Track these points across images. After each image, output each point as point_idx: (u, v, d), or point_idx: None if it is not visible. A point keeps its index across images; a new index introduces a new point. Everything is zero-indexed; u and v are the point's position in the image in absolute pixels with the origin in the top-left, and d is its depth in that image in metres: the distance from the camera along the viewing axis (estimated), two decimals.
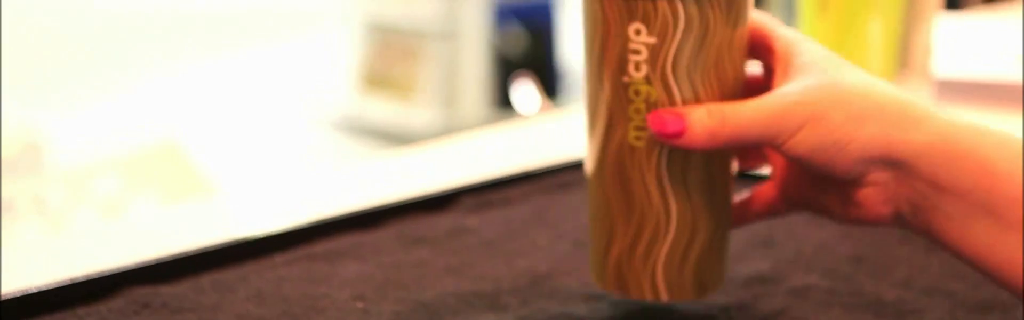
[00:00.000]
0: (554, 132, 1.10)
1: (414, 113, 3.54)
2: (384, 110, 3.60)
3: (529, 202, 0.81)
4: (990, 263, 0.51)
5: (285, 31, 4.91)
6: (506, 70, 3.52)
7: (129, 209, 1.33)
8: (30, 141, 1.89)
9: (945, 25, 0.97)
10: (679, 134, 0.55)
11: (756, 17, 0.59)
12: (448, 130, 3.48)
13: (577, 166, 0.86)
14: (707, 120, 0.54)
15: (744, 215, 0.63)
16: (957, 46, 1.14)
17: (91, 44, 4.59)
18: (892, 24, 0.93)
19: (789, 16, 0.96)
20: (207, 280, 0.67)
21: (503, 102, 3.51)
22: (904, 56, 0.94)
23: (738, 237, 0.74)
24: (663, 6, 0.55)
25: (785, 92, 0.54)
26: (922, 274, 0.70)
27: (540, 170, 0.86)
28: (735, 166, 0.62)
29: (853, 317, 0.64)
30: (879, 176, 0.54)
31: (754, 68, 0.60)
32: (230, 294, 0.66)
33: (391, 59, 3.62)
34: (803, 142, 0.53)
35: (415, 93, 3.56)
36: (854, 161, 0.53)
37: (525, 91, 1.88)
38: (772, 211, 0.63)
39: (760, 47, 0.59)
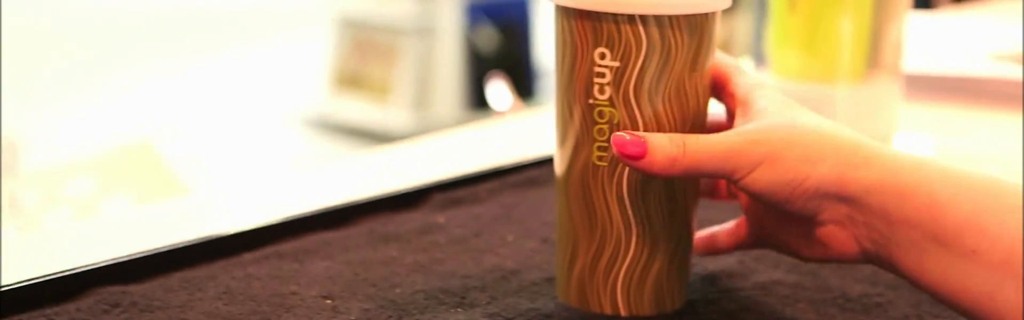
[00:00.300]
0: (524, 130, 1.10)
1: (388, 111, 3.54)
2: (357, 108, 3.59)
3: (497, 199, 0.81)
4: (946, 292, 0.53)
5: (258, 29, 4.90)
6: (480, 68, 3.52)
7: (103, 209, 1.33)
8: (7, 141, 1.89)
9: (915, 24, 0.98)
10: (639, 157, 0.56)
11: (721, 60, 0.61)
12: (422, 128, 3.48)
13: (545, 162, 0.87)
14: (668, 146, 0.56)
15: (712, 247, 0.66)
16: (926, 44, 1.14)
17: (63, 44, 4.58)
18: (863, 22, 0.93)
19: (761, 14, 0.96)
20: (176, 279, 0.67)
21: (477, 100, 3.51)
22: (875, 54, 0.95)
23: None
24: (626, 30, 0.57)
25: (745, 130, 0.57)
26: None
27: (508, 167, 0.86)
28: (698, 194, 0.63)
29: (819, 312, 0.64)
30: (836, 213, 0.56)
31: (716, 109, 0.62)
32: (199, 292, 0.66)
33: (364, 57, 3.62)
34: (759, 179, 0.56)
35: (389, 91, 3.56)
36: (809, 198, 0.56)
37: (498, 90, 1.89)
38: (739, 246, 0.65)
39: (722, 91, 0.61)
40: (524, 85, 3.57)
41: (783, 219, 0.60)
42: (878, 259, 0.56)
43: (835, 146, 0.55)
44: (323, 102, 3.68)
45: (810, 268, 0.70)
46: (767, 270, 0.69)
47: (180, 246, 0.69)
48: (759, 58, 0.99)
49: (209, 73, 4.31)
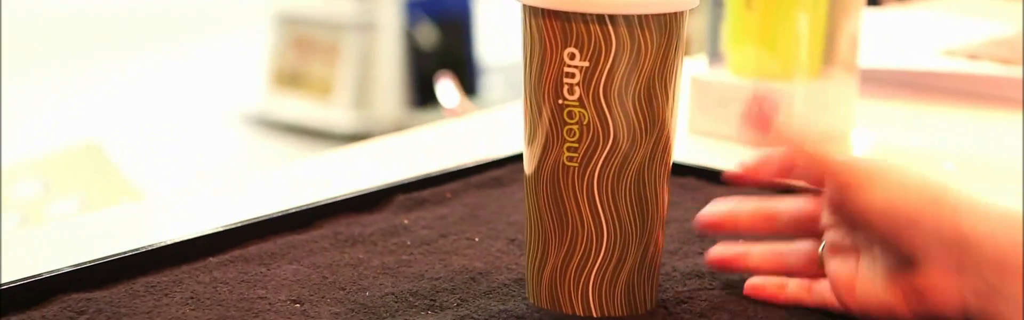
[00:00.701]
0: (480, 129, 1.09)
1: (329, 109, 3.52)
2: (298, 106, 3.57)
3: (462, 200, 0.81)
4: None
5: (196, 27, 4.87)
6: (422, 66, 3.51)
7: (51, 212, 1.31)
8: None
9: (867, 20, 0.98)
10: None
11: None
12: (364, 126, 3.47)
13: (509, 161, 0.86)
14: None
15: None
16: (877, 41, 1.15)
17: None
18: (818, 18, 0.94)
19: (717, 11, 0.96)
20: (141, 284, 0.66)
21: (420, 98, 3.50)
22: (830, 50, 0.95)
23: (672, 232, 0.75)
24: (595, 30, 0.56)
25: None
26: None
27: (471, 166, 0.86)
28: (668, 194, 0.63)
29: (790, 310, 0.64)
30: (945, 260, 0.55)
31: None
32: (166, 298, 0.65)
33: (304, 54, 3.59)
34: (877, 199, 0.56)
35: (330, 89, 3.54)
36: (925, 237, 0.55)
37: (446, 88, 1.88)
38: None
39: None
40: (467, 82, 3.56)
41: (892, 275, 0.59)
42: (981, 314, 0.55)
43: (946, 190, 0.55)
44: (263, 100, 3.66)
45: None
46: None
47: (143, 251, 0.68)
48: (715, 55, 0.99)
49: (147, 72, 4.27)
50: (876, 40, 1.18)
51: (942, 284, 0.56)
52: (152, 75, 4.24)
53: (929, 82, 1.11)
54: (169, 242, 0.70)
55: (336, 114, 3.52)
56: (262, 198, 0.88)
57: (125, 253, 0.68)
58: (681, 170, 0.85)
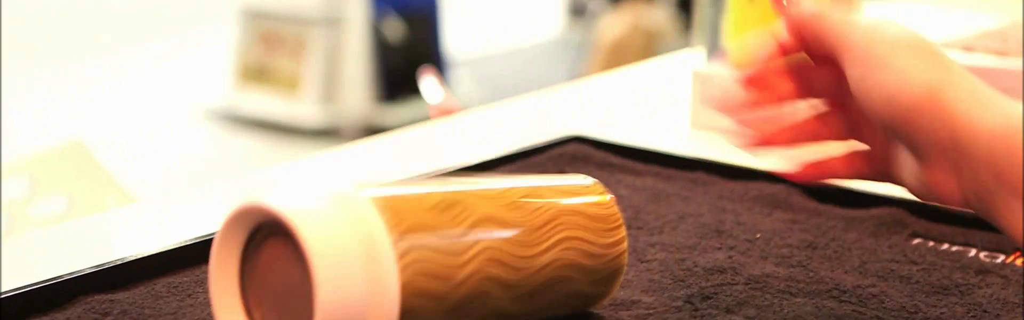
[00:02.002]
0: (469, 128, 1.08)
1: (296, 104, 3.50)
2: (265, 101, 3.55)
3: None
4: None
5: (161, 22, 4.83)
6: (389, 60, 3.49)
7: (38, 211, 1.30)
8: None
9: (866, 13, 0.99)
10: None
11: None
12: (331, 121, 3.45)
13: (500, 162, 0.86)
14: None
15: (829, 172, 0.61)
16: None
17: None
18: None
19: (718, 3, 0.96)
20: (162, 285, 0.66)
21: (387, 93, 3.49)
22: None
23: (688, 227, 0.75)
24: None
25: None
26: (874, 259, 0.70)
27: (470, 166, 0.85)
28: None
29: (816, 304, 0.64)
30: (943, 161, 0.54)
31: None
32: (189, 299, 0.64)
33: (270, 49, 3.57)
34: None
35: (296, 84, 3.52)
36: (924, 134, 0.54)
37: (430, 85, 1.88)
38: (859, 175, 0.62)
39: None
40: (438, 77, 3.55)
41: (895, 156, 0.58)
42: (981, 211, 0.54)
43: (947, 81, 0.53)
44: (230, 96, 3.63)
45: (799, 260, 0.70)
46: (757, 263, 0.69)
47: (163, 251, 0.68)
48: (715, 48, 0.99)
49: (113, 68, 4.24)
50: None
51: (943, 180, 0.55)
52: (118, 71, 4.20)
53: None
54: (188, 242, 0.69)
55: (303, 109, 3.50)
56: None
57: (144, 254, 0.67)
58: (690, 165, 0.86)
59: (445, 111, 1.66)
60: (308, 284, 0.52)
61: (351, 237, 0.53)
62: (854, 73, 0.55)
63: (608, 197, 0.62)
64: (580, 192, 0.62)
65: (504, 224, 0.57)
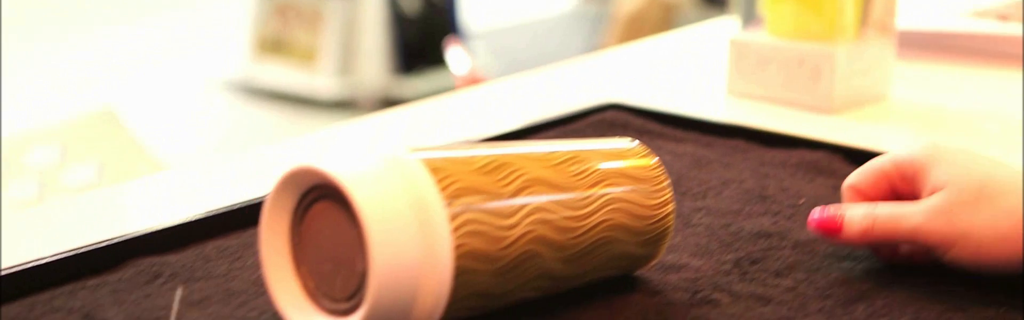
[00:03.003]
0: (497, 100, 1.08)
1: (313, 76, 3.49)
2: (282, 73, 3.55)
3: None
4: None
5: None
6: (405, 32, 3.49)
7: (68, 178, 1.31)
8: None
9: None
10: (835, 232, 0.63)
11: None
12: (348, 93, 3.45)
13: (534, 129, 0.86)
14: (860, 221, 0.62)
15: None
16: (907, 2, 1.14)
17: None
18: None
19: None
20: (211, 248, 0.66)
21: (404, 64, 3.49)
22: (867, 12, 0.95)
23: (732, 193, 0.75)
24: None
25: (931, 207, 0.61)
26: None
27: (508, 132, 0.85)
28: None
29: (866, 268, 0.64)
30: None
31: None
32: (238, 262, 0.64)
33: (287, 21, 3.57)
34: (960, 258, 0.60)
35: (314, 56, 3.52)
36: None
37: (456, 55, 1.87)
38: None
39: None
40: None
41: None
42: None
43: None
44: (247, 67, 3.63)
45: None
46: (802, 228, 0.69)
47: (211, 215, 0.68)
48: (751, 16, 0.99)
49: (130, 39, 4.24)
50: (905, 2, 1.18)
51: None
52: (135, 43, 4.20)
53: (959, 43, 1.11)
54: (236, 206, 0.69)
55: (320, 81, 3.50)
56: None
57: (194, 217, 0.67)
58: (730, 132, 0.85)
59: (472, 81, 1.65)
60: (361, 247, 0.52)
61: (404, 200, 0.53)
62: (949, 256, 0.61)
63: (653, 159, 0.62)
64: (625, 155, 0.62)
65: (552, 186, 0.57)
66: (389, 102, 3.37)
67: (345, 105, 3.48)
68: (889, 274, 0.64)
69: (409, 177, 0.54)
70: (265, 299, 0.60)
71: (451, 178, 0.54)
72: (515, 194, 0.56)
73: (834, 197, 0.74)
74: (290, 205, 0.56)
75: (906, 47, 1.10)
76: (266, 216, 0.56)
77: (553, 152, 0.59)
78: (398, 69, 3.50)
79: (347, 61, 3.50)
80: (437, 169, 0.54)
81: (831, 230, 0.63)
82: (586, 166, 0.59)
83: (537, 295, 0.58)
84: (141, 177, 0.89)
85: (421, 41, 3.51)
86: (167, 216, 0.69)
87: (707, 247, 0.67)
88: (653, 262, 0.63)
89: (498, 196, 0.55)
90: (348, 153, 0.55)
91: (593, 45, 3.47)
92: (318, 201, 0.55)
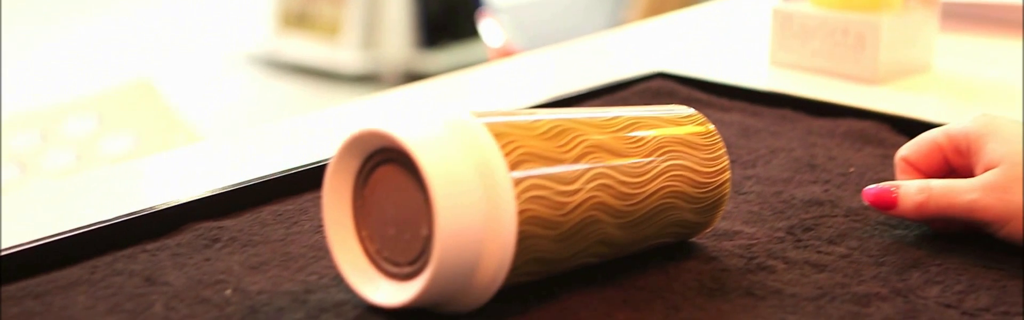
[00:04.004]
0: (504, 78, 1.08)
1: (337, 50, 3.49)
2: (306, 47, 3.55)
3: None
4: None
5: None
6: (429, 6, 3.48)
7: (105, 148, 1.31)
8: None
9: None
10: (890, 206, 0.63)
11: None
12: (372, 67, 3.45)
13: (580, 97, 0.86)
14: (915, 195, 0.62)
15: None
16: None
17: None
18: None
19: None
20: (267, 213, 0.66)
21: (427, 39, 3.48)
22: None
23: (781, 162, 0.75)
24: None
25: (986, 182, 0.61)
26: None
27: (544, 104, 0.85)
28: None
29: (920, 235, 0.64)
30: None
31: None
32: (295, 226, 0.65)
33: None
34: (1014, 233, 0.60)
35: (337, 30, 3.52)
36: None
37: (490, 27, 1.87)
38: None
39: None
40: (475, 23, 3.53)
41: None
42: None
43: None
44: (271, 41, 3.63)
45: None
46: (853, 196, 0.69)
47: (266, 180, 0.68)
48: None
49: (154, 12, 4.24)
50: None
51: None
52: (160, 16, 4.20)
53: (1001, 15, 1.10)
54: (290, 172, 0.69)
55: (344, 55, 3.49)
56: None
57: (249, 182, 0.68)
58: (778, 101, 0.86)
59: (505, 53, 1.65)
60: (427, 211, 0.53)
61: (469, 164, 0.53)
62: (1004, 232, 0.61)
63: (710, 126, 0.62)
64: (682, 122, 0.62)
65: (613, 152, 0.57)
66: (412, 76, 3.37)
67: (368, 79, 3.48)
68: (942, 242, 0.64)
69: (474, 142, 0.54)
70: (324, 263, 0.61)
71: (515, 143, 0.55)
72: (577, 160, 0.56)
73: (883, 166, 0.74)
74: (354, 169, 0.57)
75: (949, 18, 1.10)
76: (329, 179, 0.57)
77: (613, 118, 0.59)
78: (421, 43, 3.50)
79: (371, 35, 3.50)
80: (500, 134, 0.55)
81: (886, 203, 0.63)
82: (646, 133, 0.59)
83: (595, 261, 0.58)
84: (178, 147, 0.90)
85: (445, 15, 3.50)
86: (213, 184, 0.69)
87: (760, 215, 0.67)
88: (708, 230, 0.63)
89: (560, 162, 0.56)
90: (412, 118, 0.55)
91: (616, 20, 3.46)
92: (382, 165, 0.55)
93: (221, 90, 3.47)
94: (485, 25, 1.98)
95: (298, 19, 3.59)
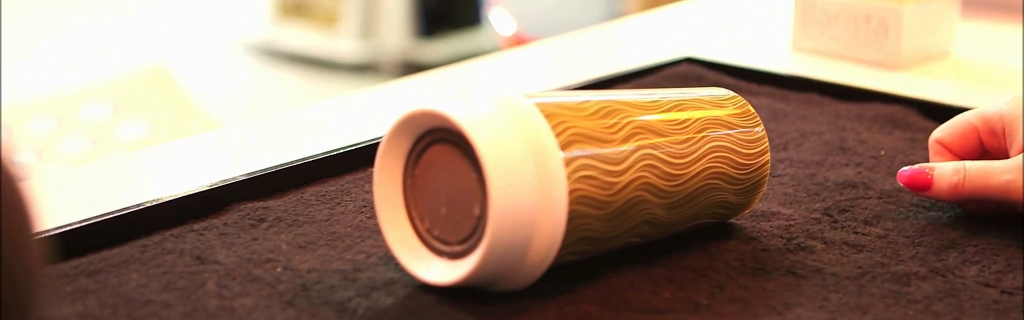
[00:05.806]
0: (525, 64, 1.09)
1: (335, 39, 3.49)
2: (304, 36, 3.55)
3: None
4: None
5: None
6: None
7: (120, 135, 1.31)
8: None
9: None
10: (925, 188, 0.64)
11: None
12: (370, 56, 3.45)
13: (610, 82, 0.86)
14: (950, 176, 0.63)
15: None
16: None
17: None
18: None
19: None
20: (310, 194, 0.67)
21: (426, 28, 3.48)
22: None
23: (812, 145, 0.76)
24: None
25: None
26: None
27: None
28: None
29: (954, 217, 0.65)
30: None
31: None
32: (339, 207, 0.65)
33: None
34: None
35: (336, 19, 3.52)
36: None
37: (499, 16, 1.87)
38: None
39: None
40: (474, 13, 3.54)
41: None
42: None
43: None
44: (268, 30, 3.63)
45: None
46: (886, 179, 0.70)
47: (309, 161, 0.69)
48: None
49: (152, 1, 4.23)
50: None
51: None
52: (156, 4, 4.20)
53: (1019, 2, 1.11)
54: (332, 153, 0.70)
55: (342, 44, 3.49)
56: (358, 125, 0.88)
57: (293, 162, 0.69)
58: (804, 85, 0.86)
59: (517, 42, 1.66)
60: (480, 191, 0.53)
61: (521, 144, 0.54)
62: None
63: (750, 108, 0.63)
64: (723, 104, 0.63)
65: (659, 133, 0.58)
66: (410, 66, 3.37)
67: (366, 68, 3.48)
68: (977, 223, 0.65)
69: (526, 122, 0.54)
70: (370, 243, 0.61)
71: (565, 124, 0.55)
72: (625, 141, 0.57)
73: (912, 150, 0.75)
74: (405, 148, 0.57)
75: (968, 5, 1.10)
76: (381, 159, 0.57)
77: (658, 100, 0.60)
78: (420, 32, 3.50)
79: (369, 24, 3.50)
80: (551, 115, 0.55)
81: (921, 185, 0.64)
82: (689, 114, 0.60)
83: (640, 241, 0.59)
84: (193, 134, 0.90)
85: (443, 5, 3.50)
86: (239, 171, 0.69)
87: (795, 196, 0.68)
88: (747, 211, 0.64)
89: (609, 142, 0.56)
90: (463, 98, 0.56)
91: (616, 11, 3.46)
92: (433, 145, 0.56)
93: (219, 79, 3.47)
94: (494, 14, 1.98)
95: (296, 8, 3.59)
